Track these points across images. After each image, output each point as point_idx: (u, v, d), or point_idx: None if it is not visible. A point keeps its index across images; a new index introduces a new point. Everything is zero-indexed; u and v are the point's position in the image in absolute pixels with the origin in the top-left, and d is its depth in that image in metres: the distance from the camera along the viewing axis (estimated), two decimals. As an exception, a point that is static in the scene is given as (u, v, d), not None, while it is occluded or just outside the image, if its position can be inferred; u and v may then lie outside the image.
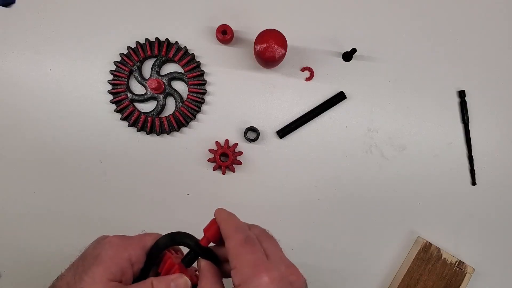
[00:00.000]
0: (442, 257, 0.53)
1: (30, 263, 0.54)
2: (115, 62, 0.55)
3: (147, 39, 0.55)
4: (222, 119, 0.56)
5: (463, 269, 0.53)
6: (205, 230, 0.34)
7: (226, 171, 0.55)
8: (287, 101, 0.56)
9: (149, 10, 0.56)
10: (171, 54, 0.55)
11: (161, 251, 0.34)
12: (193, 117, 0.55)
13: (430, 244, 0.53)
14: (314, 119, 0.56)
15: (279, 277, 0.28)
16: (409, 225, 0.56)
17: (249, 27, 0.56)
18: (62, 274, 0.33)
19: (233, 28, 0.54)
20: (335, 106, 0.56)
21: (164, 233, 0.35)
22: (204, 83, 0.55)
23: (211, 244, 0.34)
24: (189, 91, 0.55)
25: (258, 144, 0.56)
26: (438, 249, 0.53)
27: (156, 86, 0.52)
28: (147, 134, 0.55)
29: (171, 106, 0.56)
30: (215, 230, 0.33)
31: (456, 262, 0.53)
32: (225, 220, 0.33)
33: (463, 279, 0.53)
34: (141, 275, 0.34)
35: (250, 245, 0.30)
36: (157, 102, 0.55)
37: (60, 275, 0.33)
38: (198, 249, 0.33)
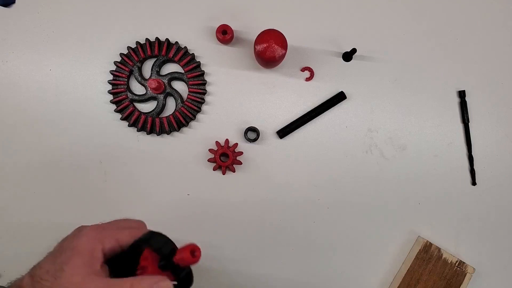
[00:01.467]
0: (443, 257, 0.53)
1: (30, 263, 0.54)
2: (115, 62, 0.55)
3: (147, 39, 0.55)
4: (222, 119, 0.56)
5: (464, 269, 0.53)
6: (178, 252, 0.33)
7: (226, 171, 0.55)
8: (287, 101, 0.56)
9: (149, 10, 0.56)
10: (171, 54, 0.55)
11: (138, 250, 0.35)
12: (193, 117, 0.55)
13: (431, 244, 0.53)
14: (314, 119, 0.56)
15: None
16: (409, 225, 0.56)
17: (249, 27, 0.56)
18: (40, 263, 0.34)
19: (233, 28, 0.54)
20: (335, 106, 0.56)
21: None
22: (204, 83, 0.55)
23: None
24: (189, 91, 0.55)
25: (258, 144, 0.56)
26: (439, 249, 0.53)
27: (156, 86, 0.52)
28: (147, 134, 0.55)
29: (171, 106, 0.56)
30: (186, 257, 0.32)
31: (456, 262, 0.53)
32: None
33: (463, 279, 0.53)
34: (125, 267, 0.35)
35: None
36: (157, 102, 0.55)
37: (38, 264, 0.34)
38: (168, 263, 0.33)
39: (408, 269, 0.53)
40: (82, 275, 0.32)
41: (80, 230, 0.36)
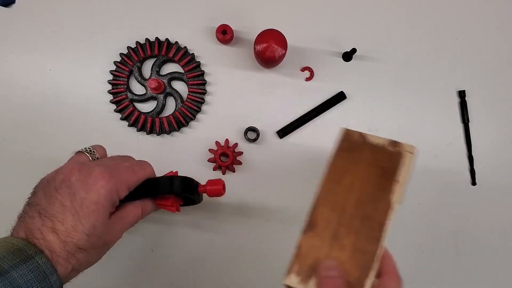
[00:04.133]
0: (370, 141, 0.42)
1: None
2: (115, 62, 0.55)
3: (147, 39, 0.55)
4: (222, 119, 0.56)
5: (400, 149, 0.40)
6: (209, 183, 0.44)
7: (226, 171, 0.55)
8: (287, 101, 0.56)
9: (149, 10, 0.56)
10: (171, 54, 0.55)
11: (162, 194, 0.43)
12: (193, 117, 0.55)
13: (353, 131, 0.43)
14: (314, 119, 0.56)
15: None
16: (409, 227, 0.56)
17: (249, 27, 0.56)
18: (57, 215, 0.34)
19: (233, 28, 0.54)
20: (335, 106, 0.56)
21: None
22: (204, 83, 0.55)
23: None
24: (189, 91, 0.55)
25: (258, 144, 0.56)
26: (361, 134, 0.42)
27: (156, 86, 0.52)
28: (147, 134, 0.55)
29: (171, 106, 0.56)
30: (216, 190, 0.43)
31: (389, 142, 0.41)
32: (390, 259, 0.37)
33: (402, 160, 0.40)
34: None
35: None
36: (157, 102, 0.55)
37: (52, 215, 0.34)
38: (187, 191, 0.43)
39: (331, 164, 0.41)
40: (106, 227, 0.36)
41: (90, 174, 0.36)
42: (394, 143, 0.41)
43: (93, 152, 0.41)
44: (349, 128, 0.43)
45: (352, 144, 0.42)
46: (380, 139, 0.42)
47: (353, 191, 0.39)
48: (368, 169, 0.40)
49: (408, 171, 0.40)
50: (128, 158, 0.43)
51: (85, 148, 0.42)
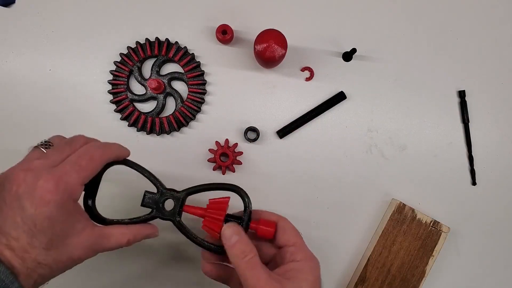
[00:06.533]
0: (417, 218, 0.53)
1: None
2: (115, 62, 0.55)
3: (147, 39, 0.55)
4: (222, 119, 0.56)
5: (439, 228, 0.53)
6: (263, 222, 0.40)
7: (226, 171, 0.55)
8: (287, 101, 0.56)
9: (149, 10, 0.56)
10: (171, 54, 0.55)
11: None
12: (193, 117, 0.55)
13: (404, 205, 0.53)
14: (314, 119, 0.56)
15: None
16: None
17: (249, 27, 0.56)
18: (6, 213, 0.31)
19: (233, 28, 0.54)
20: (335, 106, 0.56)
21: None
22: (204, 83, 0.55)
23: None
24: (189, 91, 0.55)
25: (258, 144, 0.56)
26: (412, 210, 0.53)
27: (156, 86, 0.52)
28: (147, 134, 0.55)
29: (171, 106, 0.56)
30: (268, 232, 0.40)
31: (431, 221, 0.53)
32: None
33: (438, 238, 0.53)
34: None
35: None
36: (157, 102, 0.55)
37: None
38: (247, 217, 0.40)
39: (383, 230, 0.53)
40: (70, 238, 0.34)
41: (35, 185, 0.31)
42: (435, 223, 0.53)
43: (50, 145, 0.37)
44: (402, 201, 0.53)
45: (403, 217, 0.53)
46: (426, 217, 0.53)
47: (398, 257, 0.53)
48: (412, 242, 0.53)
49: (441, 246, 0.53)
50: (76, 144, 0.38)
51: (42, 141, 0.37)
